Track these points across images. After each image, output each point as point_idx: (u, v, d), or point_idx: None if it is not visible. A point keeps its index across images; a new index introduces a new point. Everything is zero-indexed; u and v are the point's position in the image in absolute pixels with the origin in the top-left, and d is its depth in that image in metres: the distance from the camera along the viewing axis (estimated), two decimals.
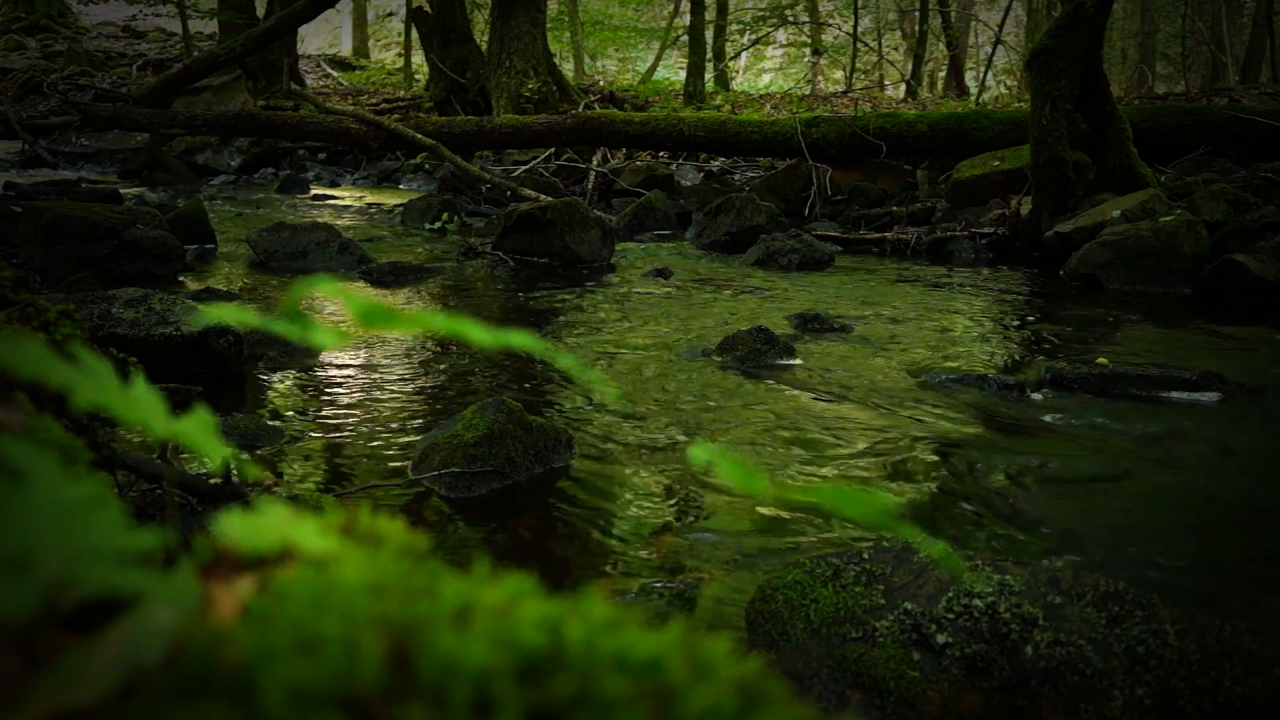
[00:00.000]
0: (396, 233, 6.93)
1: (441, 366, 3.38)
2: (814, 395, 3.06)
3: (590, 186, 9.02)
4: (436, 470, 2.21)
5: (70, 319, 1.21)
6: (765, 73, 36.21)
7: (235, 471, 1.76)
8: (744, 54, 31.58)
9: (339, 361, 3.35)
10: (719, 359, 3.42)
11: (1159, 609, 1.25)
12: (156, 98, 12.09)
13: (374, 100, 16.46)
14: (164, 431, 0.46)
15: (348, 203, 8.88)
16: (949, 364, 3.47)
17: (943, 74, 24.53)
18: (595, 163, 9.55)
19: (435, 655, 0.29)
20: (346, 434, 2.62)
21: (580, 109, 11.90)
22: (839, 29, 25.19)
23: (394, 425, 2.70)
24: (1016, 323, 4.34)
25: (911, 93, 19.84)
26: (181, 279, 4.73)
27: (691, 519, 2.11)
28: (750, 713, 0.30)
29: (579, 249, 5.70)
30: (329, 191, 9.78)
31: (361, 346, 3.56)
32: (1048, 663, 1.21)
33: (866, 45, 24.09)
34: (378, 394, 3.00)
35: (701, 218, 7.10)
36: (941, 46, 22.99)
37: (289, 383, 3.11)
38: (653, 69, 24.26)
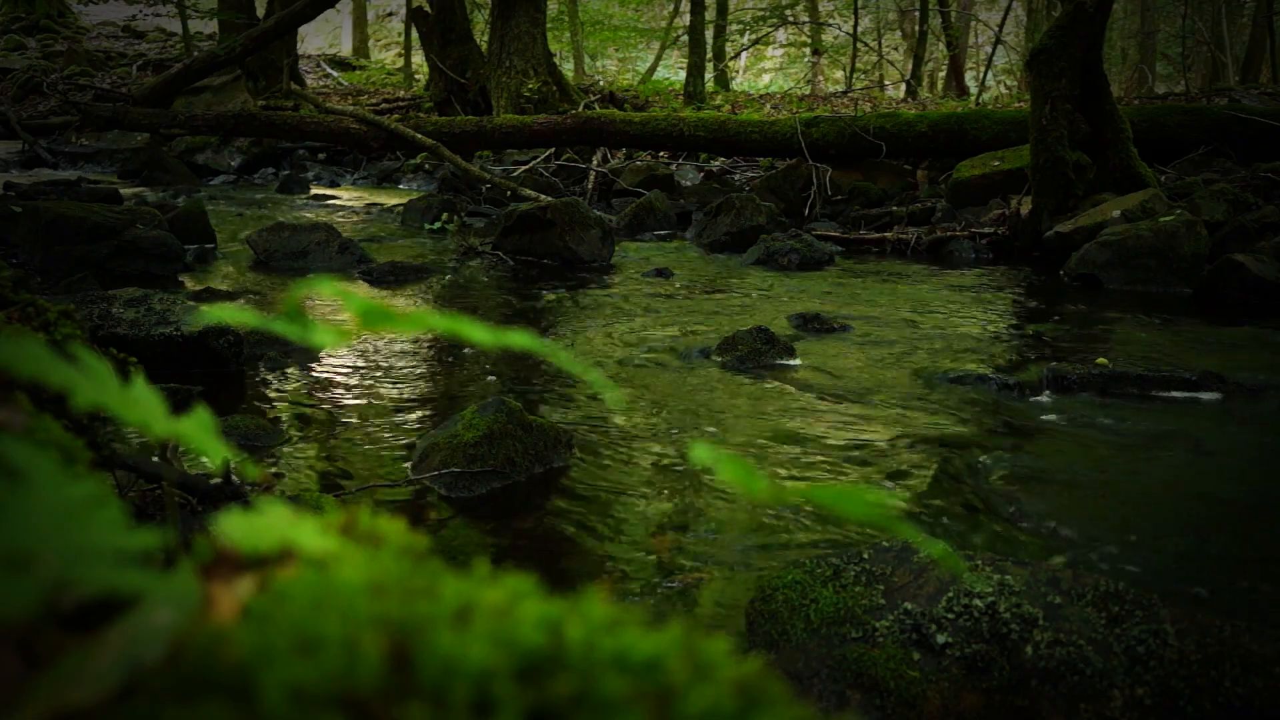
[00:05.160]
0: (396, 233, 6.93)
1: (441, 366, 3.38)
2: (814, 395, 3.06)
3: (590, 186, 9.02)
4: (436, 470, 2.22)
5: (70, 319, 1.21)
6: (765, 73, 36.20)
7: (235, 472, 1.76)
8: (744, 54, 31.58)
9: (339, 361, 3.35)
10: (719, 359, 3.42)
11: (1159, 609, 1.25)
12: (156, 98, 12.10)
13: (374, 100, 16.46)
14: (164, 431, 0.46)
15: (348, 203, 8.88)
16: (949, 364, 3.47)
17: (943, 74, 24.53)
18: (595, 163, 9.55)
19: (435, 655, 0.29)
20: (346, 434, 2.62)
21: (580, 109, 11.91)
22: (839, 29, 25.19)
23: (394, 425, 2.70)
24: (1016, 323, 4.34)
25: (911, 93, 19.83)
26: (181, 279, 4.73)
27: (691, 519, 2.11)
28: (750, 713, 0.30)
29: (579, 249, 5.70)
30: (329, 191, 9.77)
31: (361, 346, 3.56)
32: (1048, 663, 1.21)
33: (866, 45, 24.09)
34: (378, 394, 3.00)
35: (701, 218, 7.10)
36: (941, 46, 22.99)
37: (289, 383, 3.11)
38: (653, 69, 24.26)
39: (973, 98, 18.34)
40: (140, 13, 21.25)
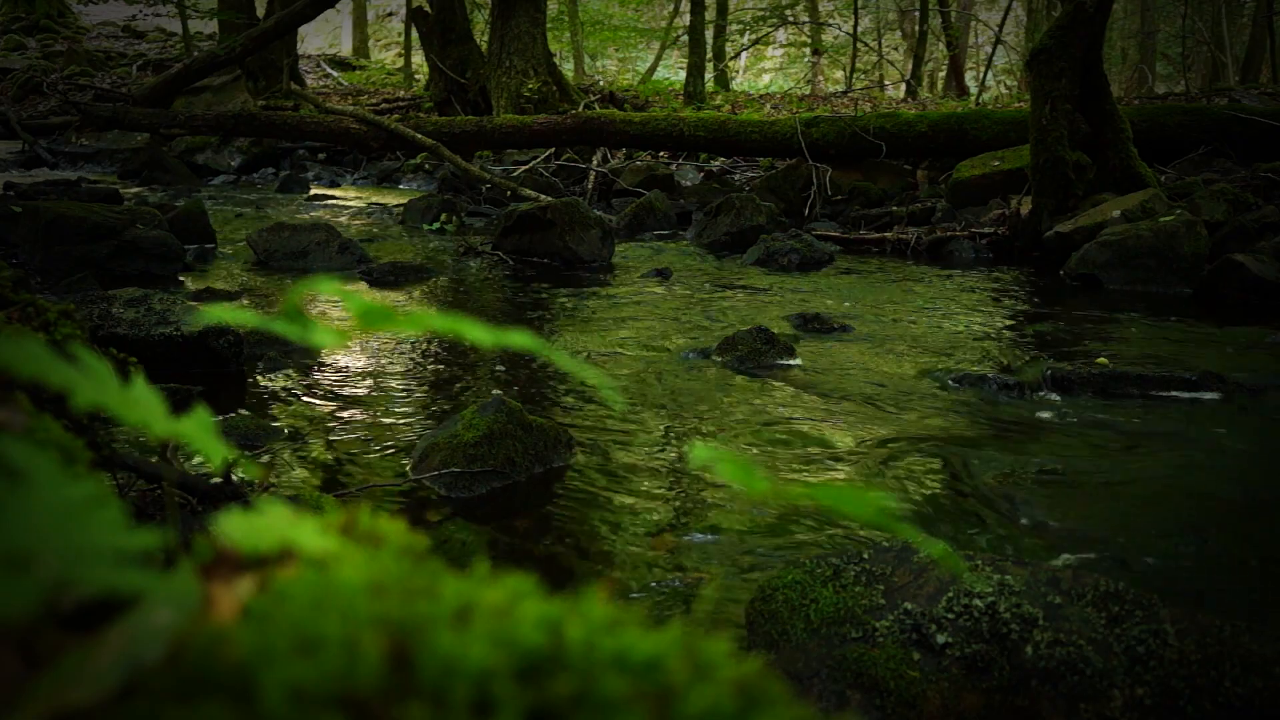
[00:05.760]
0: (396, 233, 6.93)
1: (441, 366, 3.38)
2: (814, 395, 3.06)
3: (590, 186, 9.02)
4: (436, 470, 2.21)
5: (70, 319, 1.21)
6: (765, 73, 36.20)
7: (235, 472, 1.76)
8: (744, 54, 31.58)
9: (339, 361, 3.35)
10: (719, 359, 3.42)
11: (1159, 609, 1.25)
12: (156, 98, 12.10)
13: (374, 100, 16.46)
14: (164, 431, 0.46)
15: (348, 203, 8.88)
16: (949, 364, 3.47)
17: (943, 74, 24.53)
18: (595, 163, 9.55)
19: (435, 655, 0.29)
20: (346, 434, 2.62)
21: (580, 109, 11.91)
22: (839, 29, 25.19)
23: (394, 425, 2.70)
24: (1016, 323, 4.35)
25: (911, 93, 19.83)
26: (181, 279, 4.73)
27: (691, 519, 2.11)
28: (750, 713, 0.30)
29: (579, 249, 5.70)
30: (329, 191, 9.78)
31: (361, 346, 3.56)
32: (1048, 663, 1.21)
33: (866, 45, 24.09)
34: (378, 394, 3.00)
35: (701, 218, 7.10)
36: (941, 46, 22.99)
37: (289, 383, 3.11)
38: (653, 69, 24.26)
39: (973, 98, 18.34)
40: (140, 13, 21.25)
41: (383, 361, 3.40)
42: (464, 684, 0.29)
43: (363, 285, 4.89)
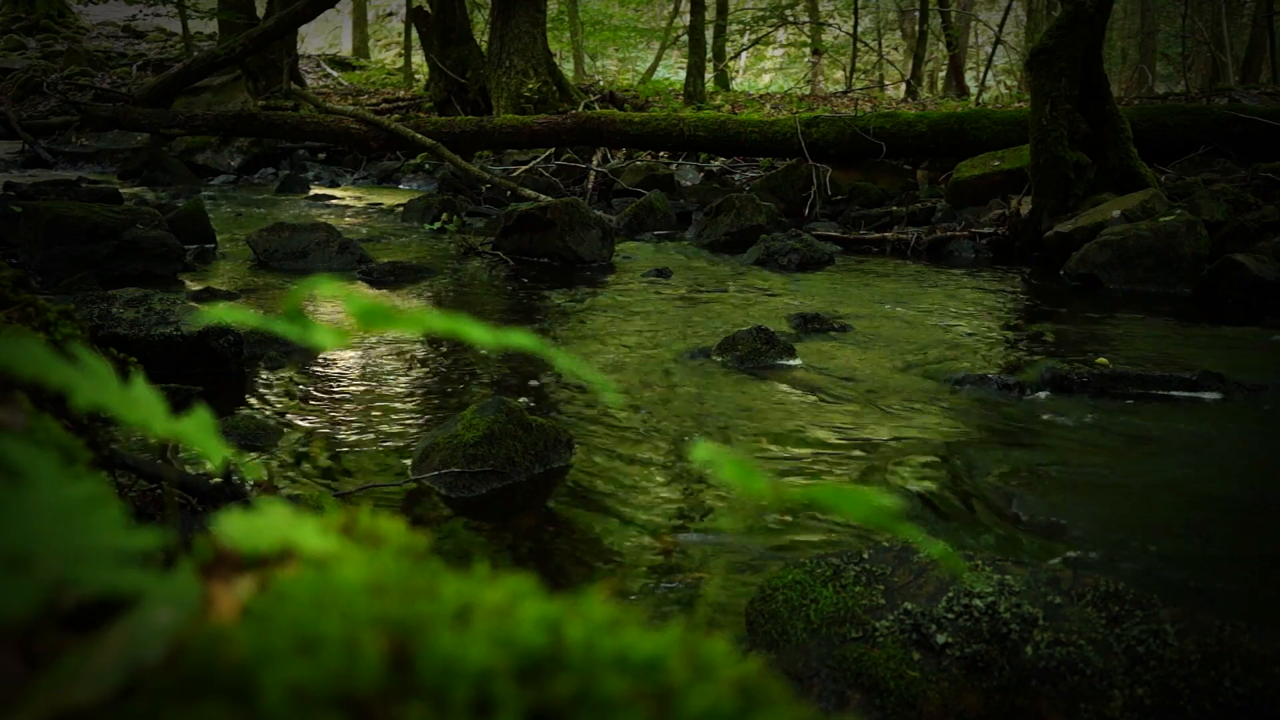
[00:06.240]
0: (396, 233, 6.93)
1: (441, 366, 3.38)
2: (814, 395, 3.06)
3: (590, 186, 9.02)
4: (436, 470, 2.21)
5: (70, 319, 1.21)
6: (765, 73, 36.20)
7: (235, 472, 1.76)
8: (744, 54, 31.57)
9: (339, 361, 3.35)
10: (719, 359, 3.42)
11: (1159, 609, 1.25)
12: (156, 98, 12.09)
13: (374, 100, 16.46)
14: (164, 431, 0.46)
15: (348, 203, 8.88)
16: (949, 364, 3.47)
17: (943, 74, 24.53)
18: (595, 163, 9.55)
19: (435, 655, 0.29)
20: (346, 434, 2.62)
21: (580, 109, 11.90)
22: (839, 29, 25.19)
23: (394, 425, 2.70)
24: (1016, 323, 4.34)
25: (911, 93, 19.84)
26: (181, 279, 4.73)
27: (691, 519, 2.11)
28: (750, 713, 0.30)
29: (579, 249, 5.70)
30: (329, 191, 9.77)
31: (361, 346, 3.56)
32: (1048, 663, 1.21)
33: (866, 45, 24.09)
34: (378, 394, 3.00)
35: (701, 218, 7.10)
36: (941, 46, 22.99)
37: (289, 383, 3.11)
38: (653, 69, 24.25)
39: (973, 98, 18.34)
40: (140, 13, 21.22)
41: (383, 361, 3.40)
42: (464, 684, 0.29)
43: (363, 285, 4.89)
